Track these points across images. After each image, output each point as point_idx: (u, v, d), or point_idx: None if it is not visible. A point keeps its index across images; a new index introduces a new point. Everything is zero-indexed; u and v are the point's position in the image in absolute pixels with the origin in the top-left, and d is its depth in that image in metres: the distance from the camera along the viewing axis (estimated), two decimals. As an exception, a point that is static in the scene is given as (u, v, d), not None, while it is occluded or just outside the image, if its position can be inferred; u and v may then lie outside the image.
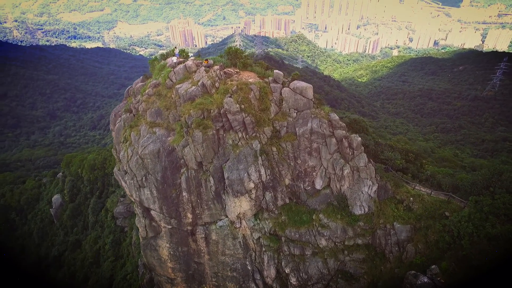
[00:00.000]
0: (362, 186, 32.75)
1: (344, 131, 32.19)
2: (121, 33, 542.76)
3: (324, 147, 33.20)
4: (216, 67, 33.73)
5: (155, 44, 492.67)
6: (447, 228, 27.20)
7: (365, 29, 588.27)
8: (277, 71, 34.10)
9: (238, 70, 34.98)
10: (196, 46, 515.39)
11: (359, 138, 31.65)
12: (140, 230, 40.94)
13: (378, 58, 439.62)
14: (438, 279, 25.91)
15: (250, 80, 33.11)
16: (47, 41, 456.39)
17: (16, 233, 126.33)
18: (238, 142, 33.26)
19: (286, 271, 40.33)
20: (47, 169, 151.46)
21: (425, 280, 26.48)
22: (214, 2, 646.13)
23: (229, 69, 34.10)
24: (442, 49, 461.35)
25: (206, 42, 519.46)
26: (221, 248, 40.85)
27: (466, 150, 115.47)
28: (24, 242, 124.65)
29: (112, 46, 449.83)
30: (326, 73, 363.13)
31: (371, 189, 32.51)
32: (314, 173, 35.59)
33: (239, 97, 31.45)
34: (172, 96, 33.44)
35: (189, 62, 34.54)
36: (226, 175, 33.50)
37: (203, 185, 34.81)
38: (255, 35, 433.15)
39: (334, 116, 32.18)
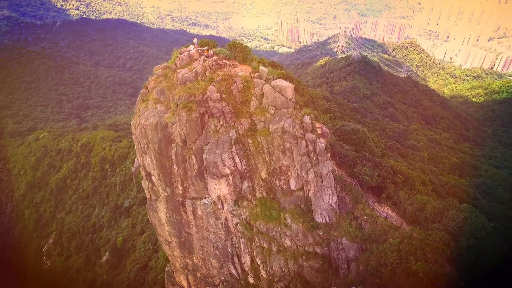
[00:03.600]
0: (323, 194, 32.04)
1: (313, 136, 31.86)
2: (234, 24, 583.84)
3: (296, 148, 33.43)
4: (214, 57, 36.85)
5: (261, 37, 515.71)
6: (380, 254, 25.11)
7: (499, 43, 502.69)
8: (262, 67, 35.30)
9: (236, 63, 37.41)
10: (300, 42, 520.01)
11: (322, 144, 30.95)
12: (145, 191, 47.45)
13: (510, 78, 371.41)
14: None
15: (240, 73, 35.25)
16: (172, 25, 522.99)
17: (106, 181, 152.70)
18: (220, 128, 36.02)
19: (258, 262, 41.82)
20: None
21: None
22: (328, 0, 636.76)
23: (226, 61, 36.81)
24: None
25: (311, 39, 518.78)
26: (205, 224, 44.50)
27: None
28: (109, 191, 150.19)
29: (223, 35, 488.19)
30: (434, 86, 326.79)
31: (332, 199, 31.55)
32: (288, 173, 35.99)
33: (222, 87, 34.04)
34: (174, 78, 38.00)
35: (193, 51, 38.52)
36: (204, 156, 36.72)
37: (187, 161, 38.77)
38: (361, 37, 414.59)
39: (306, 119, 32.04)
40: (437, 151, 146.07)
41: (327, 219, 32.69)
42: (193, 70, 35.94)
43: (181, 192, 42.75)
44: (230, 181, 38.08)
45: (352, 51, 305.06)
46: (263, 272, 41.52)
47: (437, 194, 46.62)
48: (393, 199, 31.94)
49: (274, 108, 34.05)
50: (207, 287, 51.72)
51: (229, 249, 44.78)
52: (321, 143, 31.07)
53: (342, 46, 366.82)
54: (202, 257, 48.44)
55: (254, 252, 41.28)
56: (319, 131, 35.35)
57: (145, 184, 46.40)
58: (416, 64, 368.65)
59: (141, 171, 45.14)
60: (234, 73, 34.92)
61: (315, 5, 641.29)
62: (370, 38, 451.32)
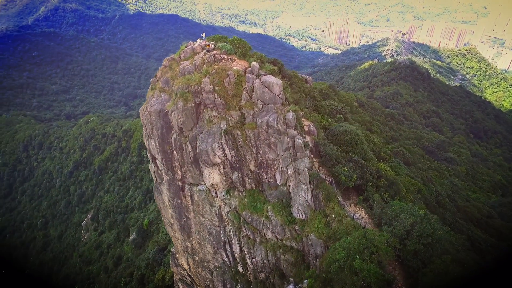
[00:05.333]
0: (300, 190, 32.62)
1: (295, 132, 32.53)
2: (283, 23, 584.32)
3: (279, 143, 34.31)
4: (214, 52, 38.79)
5: (309, 37, 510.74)
6: (333, 251, 25.32)
7: None
8: (254, 63, 36.45)
9: (235, 58, 39.01)
10: (348, 44, 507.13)
11: (300, 141, 31.52)
12: (152, 174, 50.95)
13: None
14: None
15: (234, 68, 36.82)
16: (222, 23, 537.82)
17: (142, 166, 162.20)
18: (213, 119, 37.96)
19: (245, 251, 43.30)
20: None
21: None
22: (382, 2, 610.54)
23: (224, 56, 38.56)
24: None
25: (360, 42, 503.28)
26: (201, 210, 46.84)
27: None
28: (143, 175, 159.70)
29: (270, 34, 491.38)
30: (492, 98, 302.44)
31: (307, 195, 32.04)
32: (274, 167, 36.94)
33: (215, 79, 35.88)
34: (177, 69, 40.59)
35: (196, 45, 40.80)
36: (198, 145, 38.92)
37: (184, 148, 41.25)
38: (413, 42, 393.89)
39: (289, 115, 32.72)
40: (479, 167, 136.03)
41: (303, 215, 33.22)
42: (193, 63, 38.25)
43: (180, 177, 45.48)
44: (222, 170, 39.91)
45: (400, 55, 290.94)
46: (249, 262, 42.94)
47: (426, 202, 44.45)
48: (370, 201, 31.60)
49: (262, 103, 35.19)
50: (203, 271, 54.26)
51: (222, 237, 46.69)
52: (299, 139, 31.68)
53: (392, 50, 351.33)
54: (199, 241, 50.96)
55: (242, 241, 42.79)
56: (306, 128, 35.90)
57: (151, 167, 49.85)
58: (473, 73, 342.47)
59: (148, 155, 48.59)
60: (228, 67, 36.58)
61: (367, 7, 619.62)
62: (425, 43, 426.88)
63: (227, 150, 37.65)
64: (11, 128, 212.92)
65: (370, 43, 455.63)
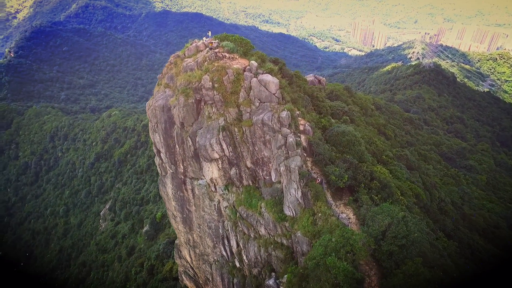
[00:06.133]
0: (290, 188, 33.03)
1: (288, 130, 32.94)
2: (306, 23, 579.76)
3: (274, 141, 34.84)
4: (216, 50, 39.76)
5: (332, 38, 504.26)
6: (314, 249, 25.65)
7: None
8: (252, 61, 37.06)
9: (236, 57, 39.82)
10: (373, 46, 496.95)
11: (291, 139, 31.93)
12: (157, 167, 52.66)
13: None
14: (281, 286, 26.19)
15: (234, 66, 37.63)
16: (245, 22, 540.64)
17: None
18: (212, 115, 38.99)
19: (241, 246, 44.13)
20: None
21: (271, 283, 26.98)
22: (410, 3, 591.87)
23: (226, 54, 39.43)
24: None
25: (386, 44, 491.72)
26: (201, 204, 48.06)
27: None
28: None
29: (293, 34, 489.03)
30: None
31: (297, 193, 32.41)
32: (270, 164, 37.50)
33: (215, 77, 36.85)
34: (181, 66, 41.86)
35: (199, 43, 41.92)
36: (197, 140, 40.06)
37: (185, 142, 42.52)
38: (441, 45, 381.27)
39: (283, 114, 33.19)
40: (502, 177, 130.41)
41: (294, 213, 33.59)
42: (195, 60, 39.40)
43: (182, 171, 46.88)
44: (220, 166, 40.90)
45: (425, 58, 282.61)
46: (244, 257, 43.72)
47: (426, 208, 43.29)
48: (359, 202, 31.51)
49: (259, 101, 35.82)
50: (203, 264, 55.56)
51: (220, 231, 47.73)
52: (291, 138, 32.09)
53: (417, 52, 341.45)
54: (200, 235, 52.26)
55: (238, 236, 43.63)
56: (301, 127, 36.24)
57: (156, 160, 51.56)
58: (504, 79, 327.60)
59: (154, 148, 50.31)
60: (228, 65, 37.46)
61: (395, 8, 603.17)
62: (453, 46, 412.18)
63: (224, 146, 38.56)
64: (40, 119, 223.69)
65: (395, 45, 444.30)
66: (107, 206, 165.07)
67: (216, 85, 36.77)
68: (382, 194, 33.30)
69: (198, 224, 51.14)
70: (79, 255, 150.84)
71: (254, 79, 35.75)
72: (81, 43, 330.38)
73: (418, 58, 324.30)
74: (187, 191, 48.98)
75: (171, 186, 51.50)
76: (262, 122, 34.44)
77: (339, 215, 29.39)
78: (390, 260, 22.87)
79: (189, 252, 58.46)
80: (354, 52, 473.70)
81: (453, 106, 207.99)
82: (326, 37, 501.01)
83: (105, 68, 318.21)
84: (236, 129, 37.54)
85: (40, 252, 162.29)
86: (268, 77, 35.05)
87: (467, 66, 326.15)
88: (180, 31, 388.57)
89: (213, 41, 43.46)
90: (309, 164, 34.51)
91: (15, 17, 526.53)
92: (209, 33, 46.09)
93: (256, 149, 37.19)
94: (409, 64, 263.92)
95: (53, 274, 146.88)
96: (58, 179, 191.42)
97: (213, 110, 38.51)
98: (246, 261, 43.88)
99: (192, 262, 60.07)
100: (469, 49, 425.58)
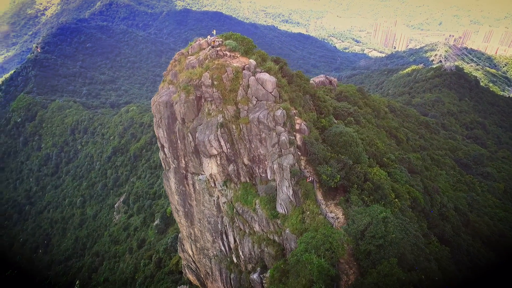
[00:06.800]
0: (283, 186, 33.38)
1: (282, 129, 33.28)
2: (327, 23, 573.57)
3: (269, 139, 35.27)
4: (217, 48, 40.50)
5: (352, 39, 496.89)
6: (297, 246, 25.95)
7: None
8: (251, 60, 37.55)
9: (237, 55, 40.45)
10: (394, 48, 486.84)
11: (284, 138, 32.26)
12: (161, 162, 54.01)
13: None
14: (264, 280, 26.72)
15: (234, 64, 38.26)
16: (265, 21, 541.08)
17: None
18: (212, 112, 39.78)
19: (237, 241, 44.82)
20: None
21: (255, 277, 27.53)
22: (435, 4, 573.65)
23: (228, 52, 40.12)
24: None
25: (408, 45, 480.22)
26: (202, 199, 49.03)
27: None
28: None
29: (312, 34, 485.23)
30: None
31: (289, 191, 32.73)
32: (266, 162, 37.94)
33: (214, 74, 37.63)
34: (184, 64, 42.87)
35: (203, 41, 42.75)
36: (197, 135, 40.98)
37: (186, 138, 43.53)
38: (465, 48, 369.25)
39: (278, 112, 33.55)
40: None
41: (286, 210, 33.92)
42: (197, 58, 40.32)
43: (184, 165, 47.96)
44: (219, 162, 41.69)
45: (448, 61, 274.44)
46: (240, 252, 44.39)
47: (424, 212, 42.39)
48: (349, 202, 31.47)
49: (256, 99, 36.32)
50: (204, 258, 56.60)
51: (219, 226, 48.56)
52: (283, 136, 32.43)
53: (440, 55, 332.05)
54: (200, 229, 53.30)
55: (234, 232, 44.32)
56: (297, 126, 36.47)
57: (160, 155, 52.89)
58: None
59: (158, 143, 51.64)
60: (228, 63, 38.15)
61: (418, 9, 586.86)
62: (479, 49, 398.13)
63: (222, 143, 39.31)
64: (62, 112, 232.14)
65: (418, 47, 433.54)
66: (121, 199, 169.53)
67: (215, 83, 37.55)
68: (375, 195, 33.11)
69: (198, 219, 52.17)
70: (93, 245, 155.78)
71: (252, 77, 36.29)
72: (104, 40, 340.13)
73: (440, 61, 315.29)
74: (188, 185, 50.06)
75: (174, 180, 52.73)
76: (258, 120, 34.94)
77: (326, 214, 29.54)
78: (368, 259, 22.94)
79: (191, 246, 59.64)
80: (374, 54, 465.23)
81: (474, 111, 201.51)
82: (346, 38, 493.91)
83: (126, 65, 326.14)
84: (233, 126, 38.20)
85: (57, 240, 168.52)
86: (265, 76, 35.52)
87: (493, 70, 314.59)
88: (200, 29, 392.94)
89: (216, 39, 44.31)
90: (302, 163, 34.74)
91: (43, 14, 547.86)
92: (214, 32, 46.96)
93: (253, 146, 37.73)
94: (430, 67, 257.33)
95: (68, 262, 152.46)
96: (77, 171, 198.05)
97: (212, 107, 39.32)
98: (242, 256, 44.51)
99: (193, 256, 61.25)
100: (496, 53, 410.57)
